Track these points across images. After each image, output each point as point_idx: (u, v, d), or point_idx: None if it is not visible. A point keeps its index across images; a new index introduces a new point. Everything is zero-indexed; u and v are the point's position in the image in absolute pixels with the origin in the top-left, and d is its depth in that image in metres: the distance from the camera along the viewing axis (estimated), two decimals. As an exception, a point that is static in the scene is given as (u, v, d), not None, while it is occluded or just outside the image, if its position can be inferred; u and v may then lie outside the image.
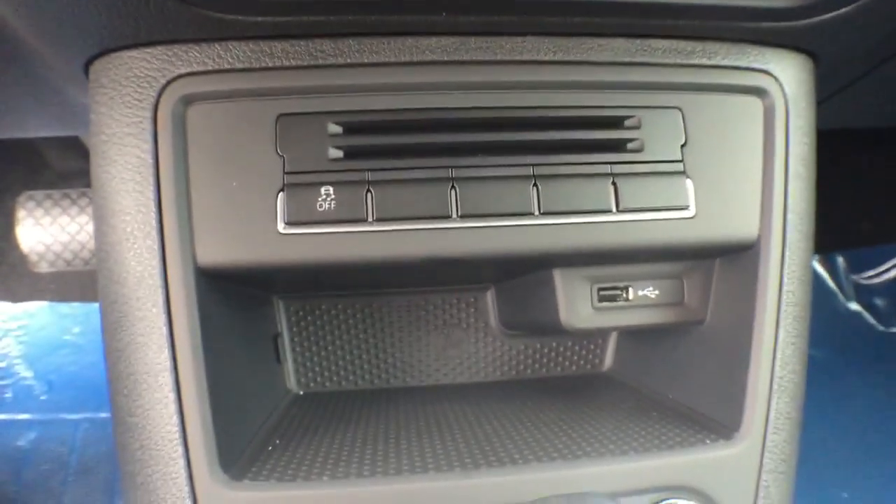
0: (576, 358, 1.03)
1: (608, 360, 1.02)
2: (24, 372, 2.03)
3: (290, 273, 0.68)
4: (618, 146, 0.68)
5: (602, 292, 0.78)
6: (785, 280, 0.70)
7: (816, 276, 2.32)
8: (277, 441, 0.73)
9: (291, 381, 0.96)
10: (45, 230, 1.67)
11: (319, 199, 0.63)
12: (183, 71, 0.61)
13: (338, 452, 0.69)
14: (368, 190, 0.63)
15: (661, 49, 0.67)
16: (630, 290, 0.79)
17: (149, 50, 0.61)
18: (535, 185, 0.65)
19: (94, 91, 0.63)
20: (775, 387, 0.70)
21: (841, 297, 2.36)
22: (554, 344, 1.03)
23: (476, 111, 0.66)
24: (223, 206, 0.62)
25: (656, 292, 0.79)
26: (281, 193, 0.63)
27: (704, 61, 0.68)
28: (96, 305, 0.66)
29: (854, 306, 2.35)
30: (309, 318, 0.98)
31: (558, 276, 0.77)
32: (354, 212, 0.63)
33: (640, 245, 0.68)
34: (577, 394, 0.91)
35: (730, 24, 0.65)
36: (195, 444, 0.61)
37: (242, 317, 0.80)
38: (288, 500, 0.61)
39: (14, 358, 2.05)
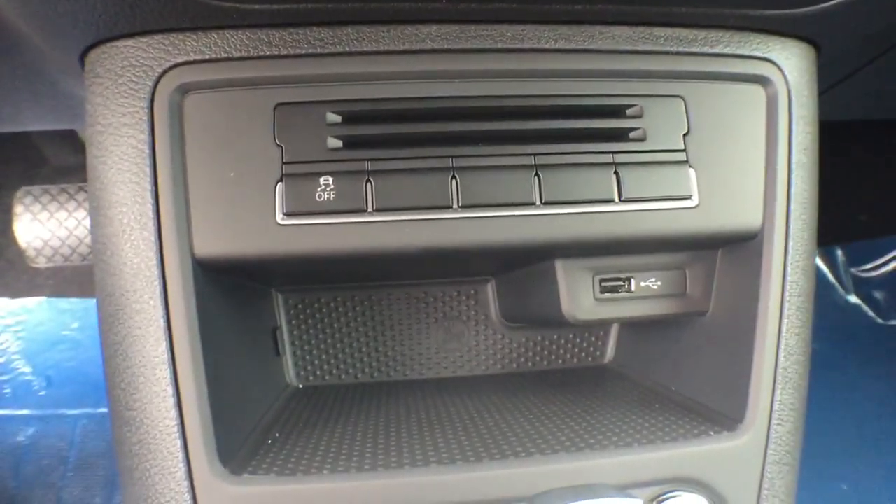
0: (577, 350, 1.03)
1: (609, 352, 1.02)
2: (23, 367, 2.03)
3: (288, 265, 0.67)
4: (620, 135, 0.68)
5: (604, 283, 0.78)
6: (788, 270, 0.70)
7: (815, 270, 2.32)
8: (277, 435, 0.72)
9: (290, 375, 0.96)
10: (43, 225, 1.67)
11: (318, 189, 0.62)
12: (179, 60, 0.60)
13: (338, 446, 0.69)
14: (368, 180, 0.63)
15: (663, 37, 0.67)
16: (632, 281, 0.78)
17: (145, 39, 0.60)
18: (536, 174, 0.65)
19: (90, 81, 0.63)
20: (779, 378, 0.69)
21: (840, 289, 2.36)
22: (555, 336, 1.03)
23: (477, 100, 0.65)
24: (221, 197, 0.62)
25: (659, 283, 0.78)
26: (279, 184, 0.62)
27: (707, 49, 0.68)
28: (94, 301, 0.65)
29: (853, 299, 2.35)
30: (308, 311, 0.97)
31: (560, 267, 0.76)
32: (354, 202, 0.62)
33: (642, 235, 0.67)
34: (578, 386, 0.91)
35: (732, 12, 0.65)
36: (194, 438, 0.60)
37: (241, 310, 0.79)
38: (287, 494, 0.61)
39: (13, 353, 2.04)
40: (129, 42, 0.60)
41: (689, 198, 0.67)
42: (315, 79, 0.63)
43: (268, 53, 0.61)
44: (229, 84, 0.62)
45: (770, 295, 0.69)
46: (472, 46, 0.64)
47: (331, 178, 0.62)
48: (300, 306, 0.97)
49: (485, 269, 0.94)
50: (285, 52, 0.61)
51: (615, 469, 0.64)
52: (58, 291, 1.91)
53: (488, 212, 0.64)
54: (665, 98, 0.68)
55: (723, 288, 0.77)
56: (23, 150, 1.77)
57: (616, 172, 0.66)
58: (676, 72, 0.68)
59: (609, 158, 0.67)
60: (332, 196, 0.62)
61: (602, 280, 0.78)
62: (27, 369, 2.02)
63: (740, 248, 0.73)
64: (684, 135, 0.68)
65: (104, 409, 1.92)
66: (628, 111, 0.68)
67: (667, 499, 0.64)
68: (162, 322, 0.60)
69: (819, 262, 2.37)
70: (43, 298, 2.08)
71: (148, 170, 0.60)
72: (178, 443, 0.60)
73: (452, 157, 0.64)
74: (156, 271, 0.60)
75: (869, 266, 2.34)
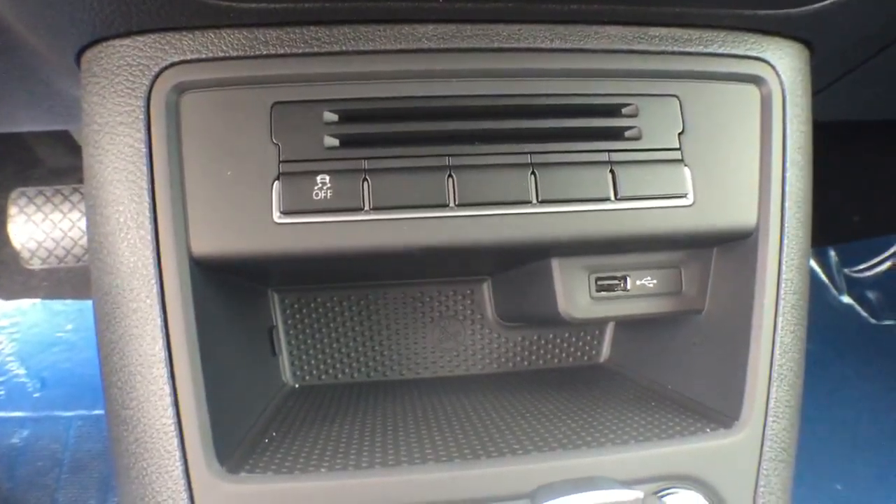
0: (573, 349, 1.03)
1: (605, 351, 1.02)
2: (17, 369, 2.02)
3: (285, 263, 0.67)
4: (615, 134, 0.68)
5: (600, 282, 0.78)
6: (783, 268, 0.70)
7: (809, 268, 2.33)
8: (274, 433, 0.72)
9: (287, 375, 0.96)
10: (38, 227, 1.66)
11: (315, 187, 0.62)
12: (176, 59, 0.60)
13: (335, 444, 0.69)
14: (365, 178, 0.63)
15: (658, 37, 0.67)
16: (628, 279, 0.78)
17: (141, 38, 0.60)
18: (532, 172, 0.65)
19: (87, 81, 0.62)
20: (775, 375, 0.70)
21: (833, 290, 2.37)
22: (551, 335, 1.03)
23: (473, 99, 0.65)
24: (218, 196, 0.62)
25: (654, 282, 0.79)
26: (276, 182, 0.62)
27: (701, 49, 0.68)
28: (89, 303, 0.65)
29: (846, 299, 2.36)
30: (304, 310, 0.97)
31: (556, 265, 0.76)
32: (351, 200, 0.62)
33: (638, 233, 0.67)
34: (574, 385, 0.91)
35: (727, 12, 0.65)
36: (191, 437, 0.60)
37: (238, 309, 0.79)
38: (285, 492, 0.61)
39: (7, 355, 2.04)
40: (126, 41, 0.60)
41: (684, 196, 0.68)
42: (312, 78, 0.63)
43: (264, 52, 0.61)
44: (226, 83, 0.62)
45: (765, 293, 0.70)
46: (468, 46, 0.64)
47: (327, 177, 0.62)
48: (296, 306, 0.97)
49: (481, 268, 0.94)
50: (282, 52, 0.61)
51: (612, 466, 0.64)
52: (52, 293, 1.91)
53: (485, 210, 0.64)
54: (660, 97, 0.68)
55: (718, 286, 0.78)
56: (17, 151, 1.76)
57: (612, 171, 0.66)
58: (671, 71, 0.68)
59: (605, 157, 0.67)
60: (328, 195, 0.62)
61: (598, 278, 0.78)
62: (21, 371, 2.02)
63: (735, 246, 0.74)
64: (679, 134, 0.69)
65: (99, 411, 1.92)
66: (624, 110, 0.68)
67: (664, 496, 0.65)
68: (159, 321, 0.60)
69: (812, 262, 2.38)
70: (37, 300, 2.07)
71: (144, 168, 0.60)
72: (175, 441, 0.60)
73: (449, 155, 0.64)
74: (152, 270, 0.60)
75: (862, 266, 2.35)
